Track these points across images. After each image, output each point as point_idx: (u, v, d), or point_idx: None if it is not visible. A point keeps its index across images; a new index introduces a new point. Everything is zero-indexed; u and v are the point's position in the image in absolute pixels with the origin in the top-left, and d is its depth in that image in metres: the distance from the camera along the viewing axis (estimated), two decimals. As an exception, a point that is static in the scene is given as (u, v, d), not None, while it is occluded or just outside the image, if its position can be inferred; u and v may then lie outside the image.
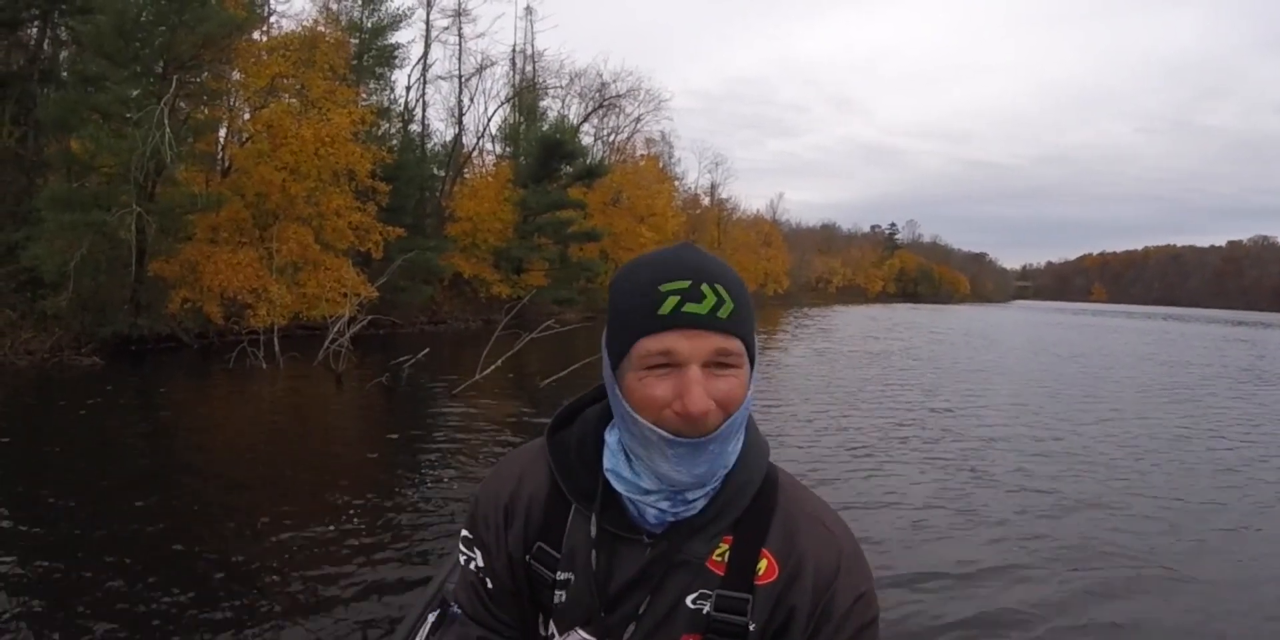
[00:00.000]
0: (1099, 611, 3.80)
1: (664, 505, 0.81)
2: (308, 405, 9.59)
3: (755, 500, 0.84)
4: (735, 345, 0.75)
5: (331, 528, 4.52)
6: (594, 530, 0.84)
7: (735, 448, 0.80)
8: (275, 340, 12.01)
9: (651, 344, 0.74)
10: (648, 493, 0.81)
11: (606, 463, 0.84)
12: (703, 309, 0.74)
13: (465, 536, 0.93)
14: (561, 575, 0.86)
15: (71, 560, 3.87)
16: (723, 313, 0.74)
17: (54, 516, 4.52)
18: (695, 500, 0.81)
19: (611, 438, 0.85)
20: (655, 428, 0.75)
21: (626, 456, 0.82)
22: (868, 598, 0.82)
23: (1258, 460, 7.52)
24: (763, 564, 0.81)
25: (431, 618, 1.82)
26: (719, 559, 0.82)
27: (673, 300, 0.74)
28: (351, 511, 4.84)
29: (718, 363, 0.75)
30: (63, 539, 4.15)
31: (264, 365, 11.36)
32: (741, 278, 0.80)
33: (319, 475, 5.97)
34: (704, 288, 0.75)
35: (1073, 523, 5.24)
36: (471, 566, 0.92)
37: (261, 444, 7.09)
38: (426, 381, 10.47)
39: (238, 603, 3.47)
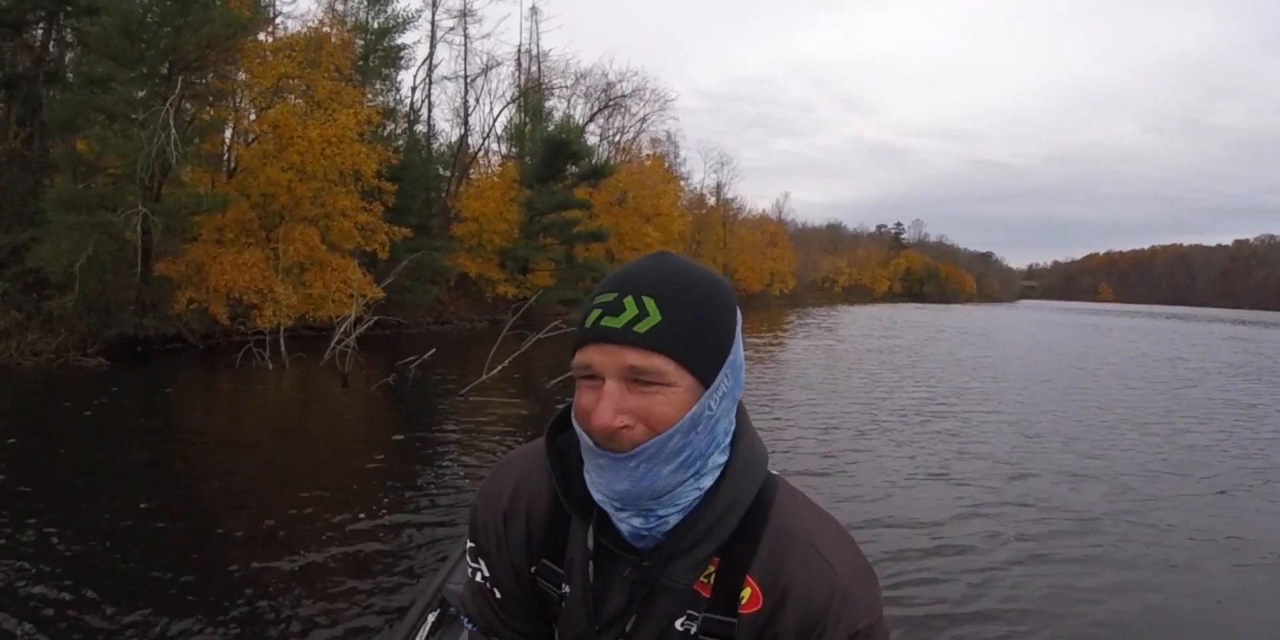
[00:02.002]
0: (1072, 578, 4.11)
1: (636, 522, 0.76)
2: (313, 406, 9.62)
3: (745, 520, 0.78)
4: (655, 362, 0.70)
5: (334, 528, 4.52)
6: (590, 543, 0.80)
7: (684, 472, 0.74)
8: (281, 341, 12.00)
9: (578, 357, 0.73)
10: (617, 508, 0.76)
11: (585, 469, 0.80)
12: (618, 323, 0.71)
13: (469, 546, 0.91)
14: (565, 588, 0.83)
15: (75, 559, 3.87)
16: (641, 327, 0.70)
17: (58, 516, 4.51)
18: (667, 516, 0.76)
19: None
20: (586, 436, 0.74)
21: None
22: (866, 633, 0.75)
23: (1245, 449, 8.03)
24: (746, 592, 0.76)
25: (431, 618, 1.81)
26: (706, 580, 0.78)
27: (595, 313, 0.73)
28: (355, 512, 4.83)
29: (636, 379, 0.71)
30: (67, 538, 4.14)
31: (270, 366, 11.39)
32: (711, 290, 0.74)
33: (324, 476, 5.98)
34: (626, 300, 0.72)
35: (1053, 495, 5.83)
36: (478, 577, 0.90)
37: (267, 444, 7.10)
38: (433, 382, 10.47)
39: (238, 600, 3.46)
